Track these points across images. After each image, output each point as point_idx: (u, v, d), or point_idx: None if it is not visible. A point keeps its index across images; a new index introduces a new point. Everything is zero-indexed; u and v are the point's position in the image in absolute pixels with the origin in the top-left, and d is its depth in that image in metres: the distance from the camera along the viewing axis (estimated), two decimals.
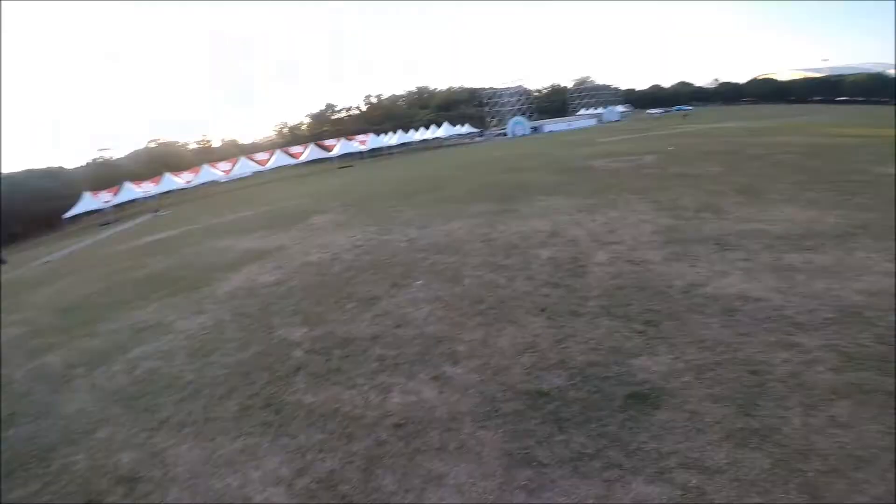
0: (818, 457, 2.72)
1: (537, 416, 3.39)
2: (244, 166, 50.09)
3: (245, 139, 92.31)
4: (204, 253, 11.52)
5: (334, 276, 7.32)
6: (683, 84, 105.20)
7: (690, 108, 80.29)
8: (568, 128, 57.77)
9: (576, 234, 7.35)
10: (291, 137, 77.22)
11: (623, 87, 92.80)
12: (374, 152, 55.79)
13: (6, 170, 52.63)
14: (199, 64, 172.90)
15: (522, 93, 71.82)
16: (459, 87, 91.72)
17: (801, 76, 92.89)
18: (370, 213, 12.08)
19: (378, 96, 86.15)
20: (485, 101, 71.58)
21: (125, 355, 5.72)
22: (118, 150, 72.64)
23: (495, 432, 3.30)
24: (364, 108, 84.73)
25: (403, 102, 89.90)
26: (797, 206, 7.88)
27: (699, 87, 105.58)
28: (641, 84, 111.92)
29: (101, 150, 72.34)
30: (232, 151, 70.30)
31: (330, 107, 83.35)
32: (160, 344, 5.86)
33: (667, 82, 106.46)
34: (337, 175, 35.09)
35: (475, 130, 62.92)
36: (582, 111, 76.46)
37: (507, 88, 71.06)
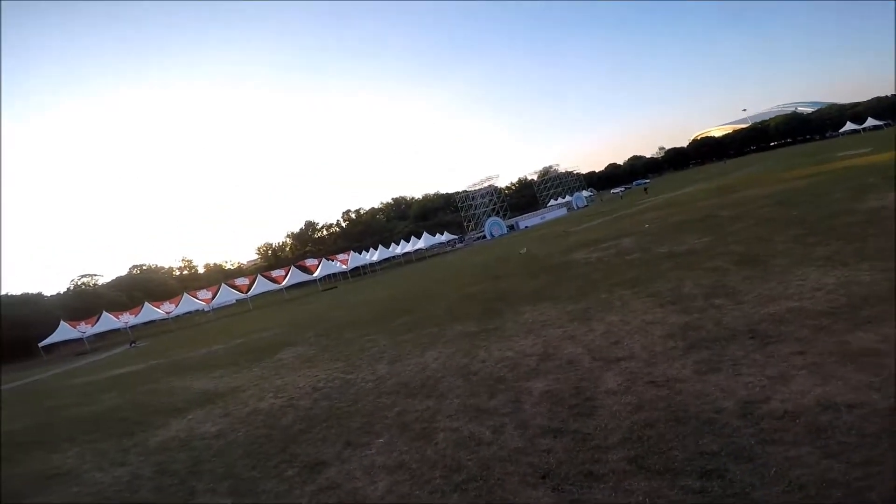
0: None
1: None
2: (226, 294, 49.04)
3: (229, 263, 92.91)
4: (159, 392, 10.64)
5: (282, 430, 5.90)
6: (635, 158, 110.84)
7: (648, 180, 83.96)
8: (542, 221, 58.31)
9: (573, 353, 5.93)
10: (275, 260, 77.75)
11: (584, 171, 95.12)
12: (357, 270, 55.60)
13: None
14: (187, 184, 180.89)
15: (493, 192, 72.73)
16: (435, 194, 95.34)
17: (732, 129, 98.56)
18: (341, 345, 10.72)
19: (357, 211, 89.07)
20: (459, 205, 73.03)
21: None
22: (104, 276, 72.28)
23: None
24: (344, 225, 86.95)
25: (382, 216, 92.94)
26: (815, 267, 6.82)
27: (650, 157, 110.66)
28: (599, 165, 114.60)
29: (84, 276, 71.67)
30: (216, 277, 69.76)
31: (310, 225, 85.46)
32: (62, 497, 5.37)
33: (620, 160, 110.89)
34: (319, 298, 34.06)
35: (455, 237, 63.63)
36: (551, 202, 77.39)
37: (479, 190, 72.21)
